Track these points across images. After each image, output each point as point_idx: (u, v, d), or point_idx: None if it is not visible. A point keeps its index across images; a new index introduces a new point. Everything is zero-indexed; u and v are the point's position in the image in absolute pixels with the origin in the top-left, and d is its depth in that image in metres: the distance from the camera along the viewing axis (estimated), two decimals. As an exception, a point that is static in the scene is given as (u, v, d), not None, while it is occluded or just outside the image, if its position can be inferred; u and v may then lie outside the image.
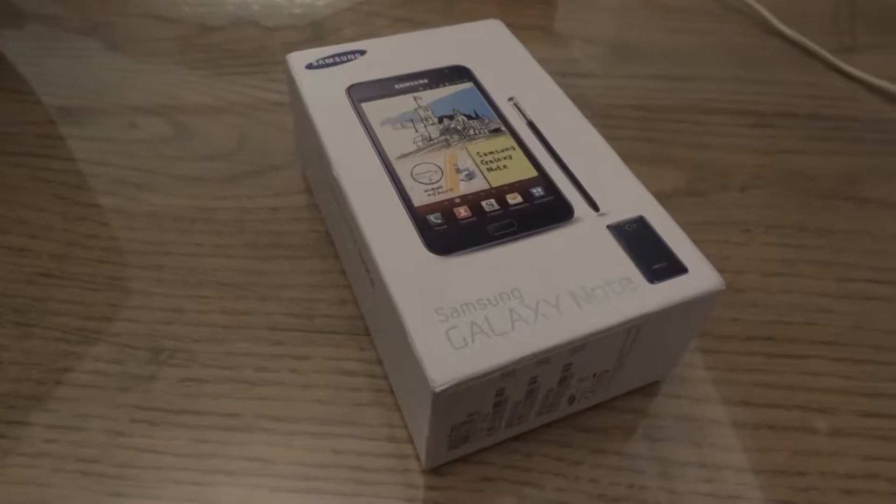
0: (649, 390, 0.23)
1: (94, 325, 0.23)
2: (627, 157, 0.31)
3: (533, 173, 0.21)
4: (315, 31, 0.37)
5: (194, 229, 0.27)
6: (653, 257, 0.19)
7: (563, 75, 0.35)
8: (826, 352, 0.24)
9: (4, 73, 0.33)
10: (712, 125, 0.33)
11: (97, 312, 0.24)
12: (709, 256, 0.27)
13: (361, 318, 0.24)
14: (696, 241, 0.27)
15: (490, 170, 0.21)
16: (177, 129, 0.31)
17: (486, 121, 0.23)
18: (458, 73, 0.25)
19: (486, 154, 0.22)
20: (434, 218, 0.20)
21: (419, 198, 0.20)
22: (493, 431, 0.20)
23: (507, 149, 0.22)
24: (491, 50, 0.26)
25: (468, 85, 0.24)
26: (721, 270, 0.27)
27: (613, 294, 0.18)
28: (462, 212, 0.20)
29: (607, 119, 0.33)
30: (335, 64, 0.25)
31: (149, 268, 0.25)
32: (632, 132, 0.32)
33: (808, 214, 0.29)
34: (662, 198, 0.29)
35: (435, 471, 0.21)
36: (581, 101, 0.34)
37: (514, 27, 0.38)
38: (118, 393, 0.22)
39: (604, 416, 0.22)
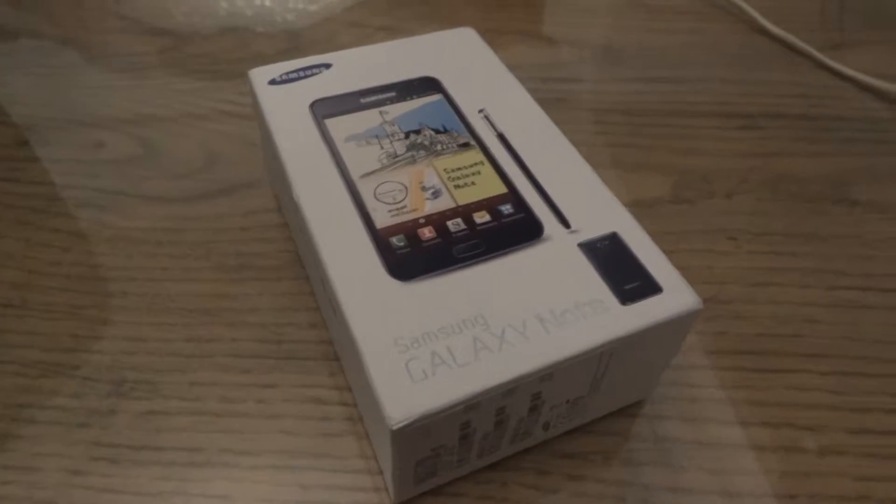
0: (630, 411, 0.22)
1: (53, 358, 0.23)
2: (611, 164, 0.30)
3: (502, 189, 0.20)
4: (292, 42, 0.36)
5: (161, 252, 0.26)
6: (626, 276, 0.18)
7: (546, 80, 0.35)
8: (814, 365, 0.23)
9: (-29, 93, 0.33)
10: (699, 128, 0.32)
11: (58, 344, 0.23)
12: (693, 268, 0.26)
13: (332, 343, 0.23)
14: (680, 252, 0.27)
15: (457, 187, 0.20)
16: (145, 147, 0.30)
17: (455, 135, 0.22)
18: (427, 85, 0.24)
19: (453, 170, 0.21)
20: (397, 240, 0.19)
21: (382, 219, 0.19)
22: (463, 463, 0.19)
23: (475, 164, 0.21)
24: (462, 60, 0.25)
25: (437, 97, 0.23)
26: (705, 282, 0.26)
27: (584, 317, 0.17)
28: (426, 233, 0.19)
29: (591, 125, 0.32)
30: (299, 79, 0.24)
31: (112, 295, 0.24)
32: (616, 137, 0.31)
33: (797, 220, 0.28)
34: (646, 206, 0.28)
35: (406, 504, 0.20)
36: (565, 106, 0.33)
37: (497, 32, 0.37)
38: (77, 429, 0.21)
39: (582, 440, 0.21)
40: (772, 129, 0.32)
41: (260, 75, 0.24)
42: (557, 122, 0.32)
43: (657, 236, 0.27)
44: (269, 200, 0.28)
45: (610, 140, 0.31)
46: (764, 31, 0.38)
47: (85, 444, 0.21)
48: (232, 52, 0.35)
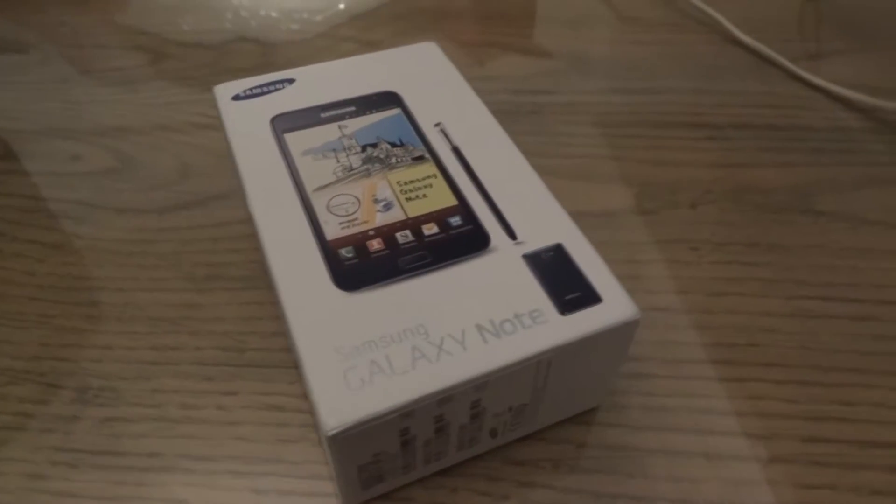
0: (584, 419, 0.22)
1: (21, 365, 0.23)
2: (577, 175, 0.30)
3: (452, 202, 0.21)
4: (267, 57, 0.37)
5: (131, 263, 0.26)
6: (567, 287, 0.19)
7: (518, 92, 0.35)
8: (769, 374, 0.24)
9: (-43, 107, 0.34)
10: (667, 139, 0.32)
11: (26, 352, 0.24)
12: (654, 277, 0.26)
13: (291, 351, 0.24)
14: (642, 262, 0.27)
15: (409, 199, 0.21)
16: (121, 160, 0.31)
17: (411, 148, 0.23)
18: (387, 100, 0.24)
19: (406, 183, 0.21)
20: (345, 252, 0.19)
21: (333, 231, 0.20)
22: (409, 469, 0.19)
23: (428, 177, 0.22)
24: (423, 74, 0.26)
25: (395, 111, 0.24)
26: (665, 291, 0.26)
27: (522, 328, 0.18)
28: (375, 245, 0.20)
29: (560, 136, 0.33)
30: (262, 94, 0.24)
31: (82, 304, 0.25)
32: (585, 149, 0.32)
33: (760, 230, 0.28)
34: (609, 216, 0.29)
35: (356, 509, 0.20)
36: (535, 118, 0.33)
37: (472, 45, 0.38)
38: (40, 434, 0.21)
39: (534, 447, 0.22)
40: (739, 139, 0.32)
41: (224, 90, 0.25)
42: (526, 134, 0.33)
43: (618, 247, 0.27)
44: (240, 212, 0.28)
45: (577, 151, 0.32)
46: (737, 42, 0.38)
47: (47, 449, 0.21)
48: (210, 67, 0.36)
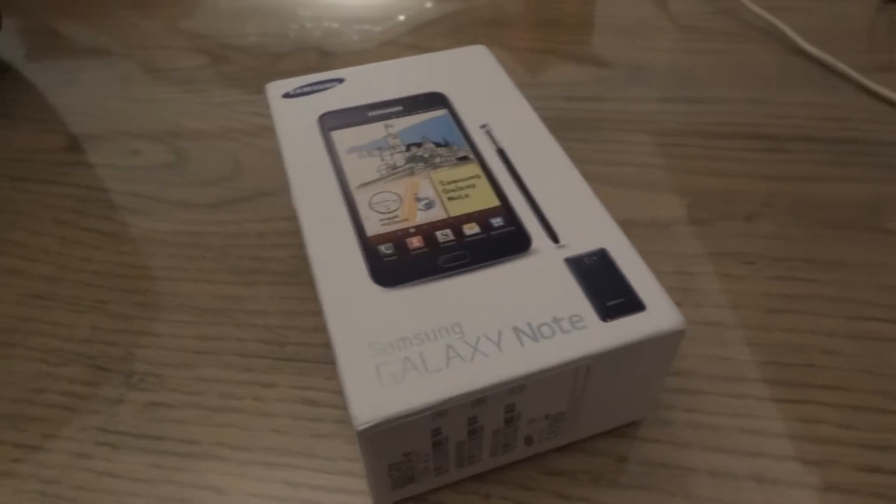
0: (625, 432, 0.22)
1: (73, 347, 0.24)
2: (627, 183, 0.30)
3: (495, 203, 0.21)
4: (324, 64, 0.38)
5: (180, 254, 0.27)
6: (610, 293, 0.18)
7: (570, 99, 0.35)
8: (826, 397, 0.22)
9: (31, 103, 0.35)
10: (721, 149, 0.31)
11: (78, 335, 0.24)
12: (705, 290, 0.25)
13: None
14: (692, 274, 0.26)
15: (451, 199, 0.21)
16: (177, 155, 0.32)
17: (455, 148, 0.23)
18: (434, 100, 0.24)
19: (449, 183, 0.21)
20: (385, 248, 0.19)
21: (373, 227, 0.20)
22: (442, 471, 0.19)
23: (471, 177, 0.21)
24: (472, 77, 0.26)
25: (442, 112, 0.24)
26: (716, 305, 0.25)
27: (561, 332, 0.17)
28: (415, 242, 0.20)
29: (612, 144, 0.32)
30: (312, 92, 0.25)
31: (133, 292, 0.26)
32: (636, 157, 0.31)
33: (821, 246, 0.27)
34: (659, 226, 0.28)
35: (386, 509, 0.20)
36: (586, 125, 0.33)
37: (526, 51, 0.38)
38: (87, 415, 0.22)
39: (572, 458, 0.21)
40: (800, 152, 0.31)
41: (275, 88, 0.25)
42: (577, 141, 0.32)
43: (668, 257, 0.27)
44: (286, 208, 0.29)
45: (629, 159, 0.31)
46: (802, 52, 0.37)
47: (92, 429, 0.22)
48: (268, 70, 0.37)
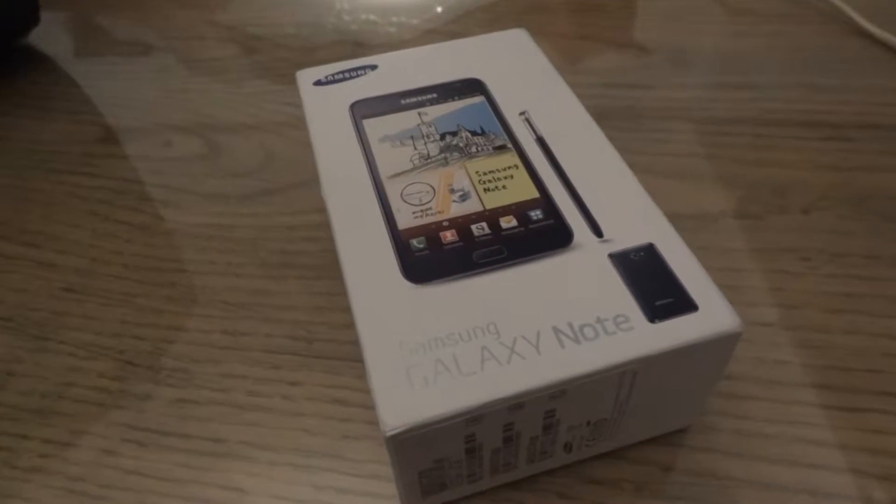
0: (671, 440, 0.20)
1: (103, 341, 0.24)
2: (673, 174, 0.28)
3: (534, 194, 0.19)
4: (359, 54, 0.37)
5: (210, 247, 0.27)
6: (658, 292, 0.17)
7: (612, 86, 0.33)
8: (891, 406, 0.21)
9: (67, 95, 0.35)
10: (774, 138, 0.29)
11: (108, 328, 0.24)
12: (757, 289, 0.24)
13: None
14: (743, 271, 0.24)
15: (487, 190, 0.20)
16: (209, 147, 0.31)
17: (492, 137, 0.21)
18: (470, 87, 0.23)
19: (485, 173, 0.20)
20: (417, 242, 0.18)
21: (405, 220, 0.19)
22: (475, 478, 0.18)
23: (509, 167, 0.20)
24: (511, 62, 0.24)
25: (479, 99, 0.23)
26: (771, 305, 0.23)
27: (605, 333, 0.16)
28: (448, 236, 0.18)
29: (657, 133, 0.30)
30: (344, 80, 0.24)
31: (162, 285, 0.25)
32: (683, 147, 0.30)
33: (885, 242, 0.25)
34: (708, 220, 0.26)
35: (416, 515, 0.19)
36: (629, 113, 0.31)
37: (567, 37, 0.36)
38: (114, 410, 0.22)
39: (614, 466, 0.20)
40: (863, 140, 0.29)
41: (306, 76, 0.24)
42: (620, 130, 0.31)
43: (717, 253, 0.25)
44: (317, 201, 0.28)
45: (675, 148, 0.29)
46: (864, 33, 0.34)
47: (119, 425, 0.21)
48: (302, 61, 0.36)
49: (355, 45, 0.37)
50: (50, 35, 0.40)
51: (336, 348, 0.23)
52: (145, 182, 0.30)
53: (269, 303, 0.25)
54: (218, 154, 0.31)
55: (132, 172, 0.30)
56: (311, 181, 0.29)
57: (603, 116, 0.31)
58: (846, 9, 0.35)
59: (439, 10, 0.39)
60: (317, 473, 0.20)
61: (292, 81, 0.35)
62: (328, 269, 0.26)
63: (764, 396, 0.21)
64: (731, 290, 0.24)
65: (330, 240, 0.27)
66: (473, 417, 0.15)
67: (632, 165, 0.29)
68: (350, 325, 0.24)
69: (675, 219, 0.26)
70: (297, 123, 0.32)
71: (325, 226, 0.27)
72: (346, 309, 0.24)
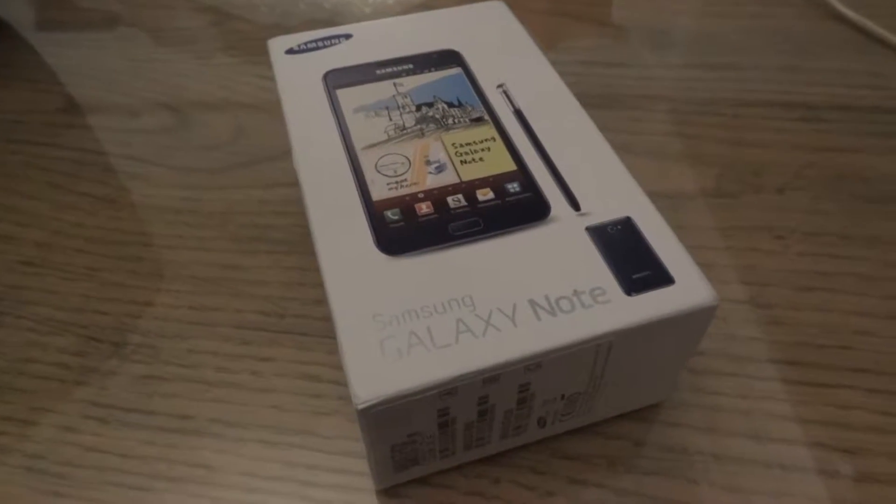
0: (644, 415, 0.20)
1: (64, 316, 0.23)
2: (651, 153, 0.28)
3: (511, 167, 0.19)
4: (335, 20, 0.36)
5: (178, 220, 0.26)
6: (635, 265, 0.17)
7: (591, 64, 0.33)
8: (861, 381, 0.21)
9: (28, 63, 0.34)
10: (752, 118, 0.29)
11: (70, 303, 0.23)
12: (732, 266, 0.24)
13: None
14: (719, 248, 0.24)
15: (464, 162, 0.19)
16: (179, 119, 0.30)
17: (469, 109, 0.21)
18: (447, 58, 0.23)
19: (462, 145, 0.20)
20: (391, 214, 0.18)
21: (379, 192, 0.18)
22: (448, 453, 0.18)
23: (486, 139, 0.20)
24: (489, 34, 0.24)
25: (456, 70, 0.22)
26: (744, 282, 0.23)
27: (581, 306, 0.16)
28: (423, 208, 0.18)
29: (634, 111, 0.30)
30: (317, 49, 0.23)
31: (127, 259, 0.25)
32: (659, 126, 0.29)
33: (857, 221, 0.25)
34: (684, 198, 0.26)
35: (389, 491, 0.19)
36: (606, 92, 0.31)
37: (546, 13, 0.36)
38: (75, 387, 0.21)
39: (588, 441, 0.20)
40: (837, 121, 0.29)
41: (278, 44, 0.23)
42: (597, 108, 0.30)
43: (693, 231, 0.25)
44: (290, 175, 0.28)
45: (652, 127, 0.29)
46: (839, 17, 0.34)
47: (81, 402, 0.21)
48: (274, 31, 0.35)
49: (331, 13, 0.36)
50: (10, 1, 0.38)
51: (308, 324, 0.22)
52: (110, 154, 0.29)
53: (239, 277, 0.24)
54: (187, 126, 0.30)
55: (96, 144, 0.29)
56: (282, 155, 0.28)
57: (580, 95, 0.31)
58: (823, -9, 0.35)
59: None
60: (287, 450, 0.20)
61: (264, 53, 0.34)
62: (300, 243, 0.25)
63: (735, 372, 0.21)
64: (705, 268, 0.24)
65: (302, 214, 0.26)
66: (447, 390, 0.15)
67: (610, 144, 0.28)
68: (322, 301, 0.23)
69: (652, 197, 0.26)
70: (269, 96, 0.31)
71: (298, 200, 0.27)
72: (319, 284, 0.24)
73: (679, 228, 0.25)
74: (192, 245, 0.25)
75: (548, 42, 0.34)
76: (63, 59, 0.34)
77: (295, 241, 0.25)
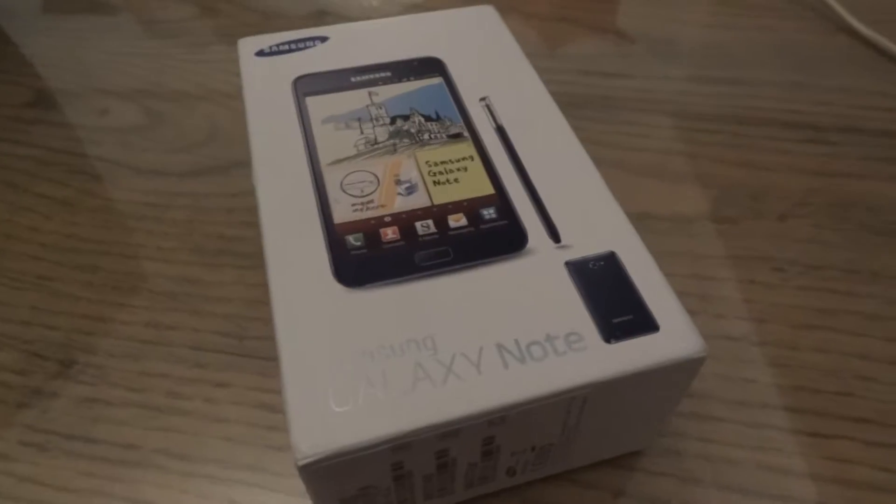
0: (626, 462, 0.19)
1: (9, 329, 0.21)
2: (647, 172, 0.26)
3: (488, 190, 0.18)
4: (323, 19, 0.34)
5: (140, 228, 0.24)
6: (617, 308, 0.15)
7: (588, 73, 0.31)
8: (861, 432, 0.19)
9: (2, 52, 0.32)
10: (755, 138, 0.28)
11: (16, 315, 0.22)
12: (726, 299, 0.22)
13: (297, 344, 0.21)
14: (713, 279, 0.23)
15: (437, 183, 0.18)
16: (150, 117, 0.29)
17: (448, 123, 0.19)
18: (428, 67, 0.21)
19: (437, 164, 0.18)
20: (353, 239, 0.16)
21: (342, 213, 0.17)
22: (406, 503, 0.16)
23: (463, 158, 0.18)
24: (475, 41, 0.22)
25: (437, 80, 0.21)
26: (739, 317, 0.22)
27: (554, 353, 0.14)
28: (389, 233, 0.16)
29: (632, 126, 0.28)
30: (290, 51, 0.22)
31: (82, 268, 0.23)
32: (658, 142, 0.28)
33: (863, 254, 0.24)
34: (680, 222, 0.25)
35: (343, 539, 0.17)
36: (604, 104, 0.29)
37: (544, 18, 0.34)
38: (14, 409, 0.20)
39: (561, 489, 0.18)
40: (845, 145, 0.27)
41: (248, 45, 0.22)
42: (592, 120, 0.29)
43: (687, 258, 0.23)
44: (263, 182, 0.26)
45: (649, 144, 0.28)
46: (851, 32, 0.33)
47: (19, 426, 0.19)
48: (259, 27, 0.34)
49: (320, 9, 0.34)
50: (-15, -15, 0.36)
51: (269, 347, 0.21)
52: (75, 153, 0.27)
53: (200, 293, 0.22)
54: (158, 125, 0.28)
55: (61, 142, 0.28)
56: (257, 160, 0.27)
57: (576, 105, 0.29)
58: (834, 4, 0.33)
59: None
60: (235, 488, 0.18)
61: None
62: (268, 258, 0.23)
63: (728, 418, 0.20)
64: (699, 300, 0.22)
65: (272, 226, 0.24)
66: (399, 445, 0.13)
67: (602, 159, 0.27)
68: (287, 322, 0.22)
69: (646, 219, 0.25)
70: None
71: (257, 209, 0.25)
72: (284, 304, 0.22)
73: (673, 255, 0.24)
74: (152, 255, 0.23)
75: (546, 48, 0.32)
76: (37, 48, 0.32)
77: (261, 256, 0.23)
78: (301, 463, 0.13)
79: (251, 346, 0.21)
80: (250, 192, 0.25)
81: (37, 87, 0.30)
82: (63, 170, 0.26)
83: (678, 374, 0.15)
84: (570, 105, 0.29)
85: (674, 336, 0.15)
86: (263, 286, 0.23)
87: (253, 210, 0.25)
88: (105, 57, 0.32)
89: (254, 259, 0.23)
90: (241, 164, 0.27)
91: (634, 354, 0.14)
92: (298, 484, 0.18)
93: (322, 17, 0.34)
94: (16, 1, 0.36)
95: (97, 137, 0.28)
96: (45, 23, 0.34)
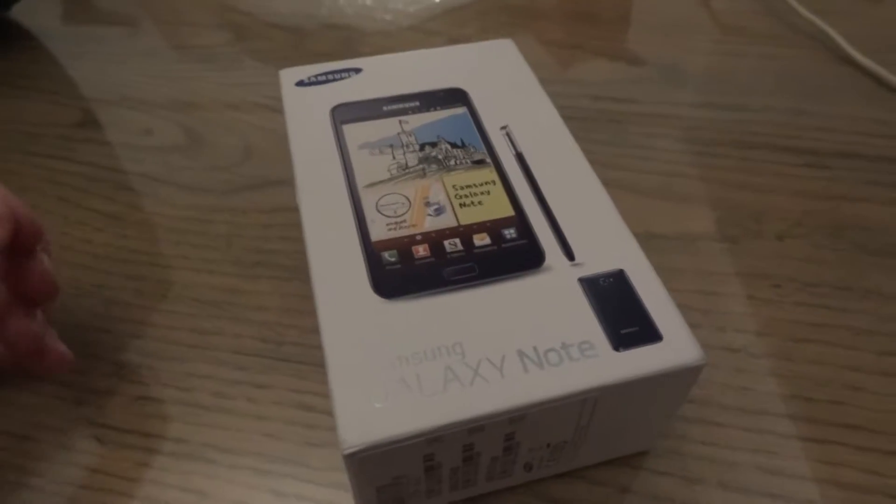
0: (631, 462, 0.20)
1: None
2: (654, 192, 0.28)
3: (509, 212, 0.19)
4: (351, 45, 0.36)
5: (184, 241, 0.26)
6: (625, 320, 0.17)
7: (598, 98, 0.33)
8: (851, 438, 0.21)
9: (48, 74, 0.35)
10: (758, 162, 0.30)
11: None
12: (727, 313, 0.24)
13: (330, 350, 0.23)
14: (715, 294, 0.24)
15: (463, 205, 0.20)
16: (190, 136, 0.31)
17: (472, 150, 0.21)
18: (453, 97, 0.23)
19: (462, 187, 0.20)
20: (389, 255, 0.18)
21: (378, 232, 0.19)
22: (434, 494, 0.18)
23: (486, 183, 0.20)
24: (495, 73, 0.24)
25: (461, 110, 0.23)
26: (738, 330, 0.23)
27: (569, 359, 0.16)
28: (420, 251, 0.18)
29: (641, 149, 0.30)
30: (327, 82, 0.24)
31: (132, 278, 0.25)
32: (666, 165, 0.30)
33: (856, 273, 0.25)
34: (685, 240, 0.26)
35: (374, 527, 0.19)
36: (615, 129, 0.31)
37: (560, 45, 0.36)
38: (74, 406, 0.22)
39: (572, 486, 0.20)
40: (842, 169, 0.29)
41: (289, 75, 0.24)
42: (603, 144, 0.31)
43: (691, 275, 0.25)
44: (295, 200, 0.28)
45: (657, 166, 0.29)
46: (851, 62, 0.34)
47: (80, 420, 0.21)
48: (292, 50, 0.36)
49: (347, 32, 0.37)
50: (34, 10, 0.39)
51: (305, 352, 0.23)
52: (121, 170, 0.29)
53: (240, 302, 0.24)
54: (198, 145, 0.31)
55: (109, 159, 0.30)
56: (289, 179, 0.29)
57: (588, 129, 0.31)
58: (834, 35, 0.35)
59: (437, 0, 0.39)
60: (278, 480, 0.20)
61: (274, 74, 0.34)
62: (301, 270, 0.25)
63: (728, 423, 0.21)
64: (701, 313, 0.24)
65: (304, 241, 0.26)
66: (433, 438, 0.15)
67: (612, 182, 0.29)
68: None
69: (652, 238, 0.26)
70: (280, 118, 0.32)
71: (301, 226, 0.27)
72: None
73: (678, 271, 0.25)
74: (195, 267, 0.25)
75: (560, 73, 0.34)
76: (83, 71, 0.35)
77: (296, 268, 0.25)
78: (346, 452, 0.15)
79: (288, 351, 0.23)
80: (285, 209, 0.27)
81: (84, 108, 0.33)
82: (111, 186, 0.29)
83: (679, 380, 0.17)
84: (582, 128, 0.31)
85: (676, 346, 0.16)
86: (299, 296, 0.24)
87: (288, 225, 0.27)
88: (146, 79, 0.34)
89: (290, 271, 0.25)
90: (277, 182, 0.29)
91: (640, 362, 0.16)
92: (336, 476, 0.20)
93: (345, 37, 0.36)
94: (56, 23, 0.38)
95: (141, 156, 0.30)
96: (89, 47, 0.36)
